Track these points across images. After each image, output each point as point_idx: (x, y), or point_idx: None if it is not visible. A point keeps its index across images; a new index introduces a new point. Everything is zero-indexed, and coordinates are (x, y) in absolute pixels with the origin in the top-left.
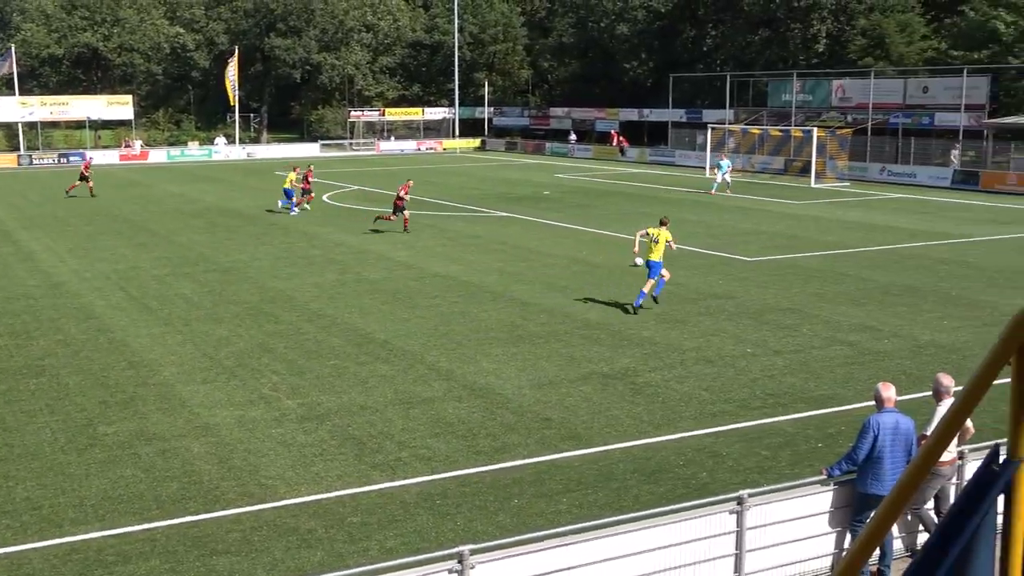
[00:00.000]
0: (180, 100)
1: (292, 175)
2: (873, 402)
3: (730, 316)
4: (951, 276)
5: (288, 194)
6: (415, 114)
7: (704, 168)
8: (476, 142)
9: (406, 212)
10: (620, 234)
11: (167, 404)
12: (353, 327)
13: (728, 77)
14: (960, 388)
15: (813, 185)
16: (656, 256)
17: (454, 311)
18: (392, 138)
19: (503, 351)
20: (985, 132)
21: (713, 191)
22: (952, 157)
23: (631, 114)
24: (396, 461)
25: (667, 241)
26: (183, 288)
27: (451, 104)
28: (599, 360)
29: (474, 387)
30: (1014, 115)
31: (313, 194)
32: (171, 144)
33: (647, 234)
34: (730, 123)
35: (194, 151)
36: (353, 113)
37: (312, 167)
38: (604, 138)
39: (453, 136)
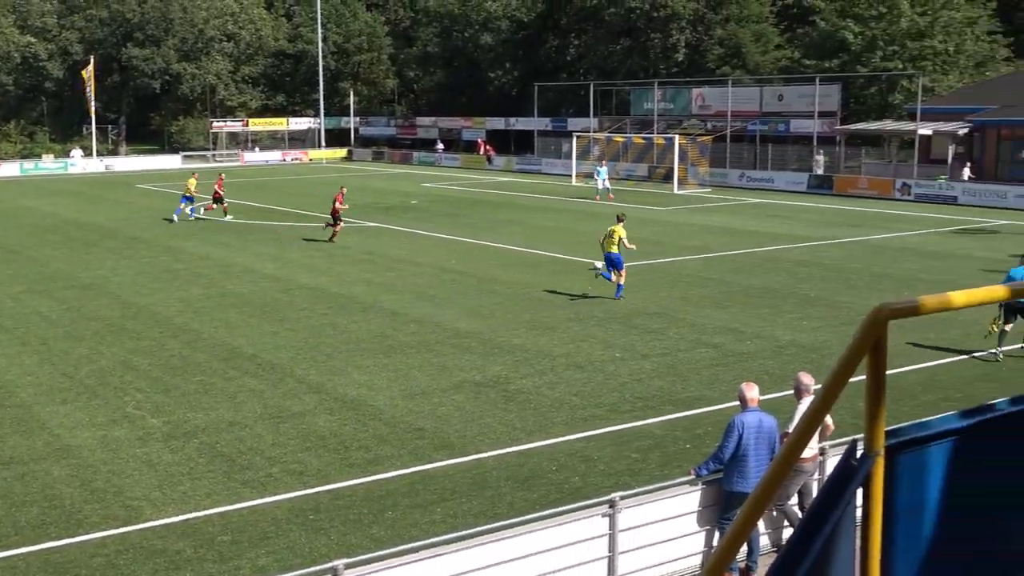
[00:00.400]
0: (33, 112)
1: (192, 181)
2: (738, 402)
3: (599, 322)
4: (810, 278)
5: (187, 200)
6: (280, 124)
7: (570, 176)
8: (343, 152)
9: (337, 224)
10: (489, 243)
11: (25, 427)
12: (220, 342)
13: (591, 86)
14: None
15: (676, 191)
16: (615, 249)
17: (323, 323)
18: (256, 149)
19: (374, 362)
20: (837, 138)
21: (597, 197)
22: (816, 162)
23: (497, 123)
24: (267, 477)
25: (620, 238)
26: (39, 306)
27: (316, 114)
28: (471, 368)
29: (345, 399)
30: (864, 121)
31: (227, 203)
32: (24, 157)
33: (607, 233)
34: (594, 131)
35: (49, 164)
36: (215, 124)
37: (223, 175)
38: (471, 147)
39: (319, 146)
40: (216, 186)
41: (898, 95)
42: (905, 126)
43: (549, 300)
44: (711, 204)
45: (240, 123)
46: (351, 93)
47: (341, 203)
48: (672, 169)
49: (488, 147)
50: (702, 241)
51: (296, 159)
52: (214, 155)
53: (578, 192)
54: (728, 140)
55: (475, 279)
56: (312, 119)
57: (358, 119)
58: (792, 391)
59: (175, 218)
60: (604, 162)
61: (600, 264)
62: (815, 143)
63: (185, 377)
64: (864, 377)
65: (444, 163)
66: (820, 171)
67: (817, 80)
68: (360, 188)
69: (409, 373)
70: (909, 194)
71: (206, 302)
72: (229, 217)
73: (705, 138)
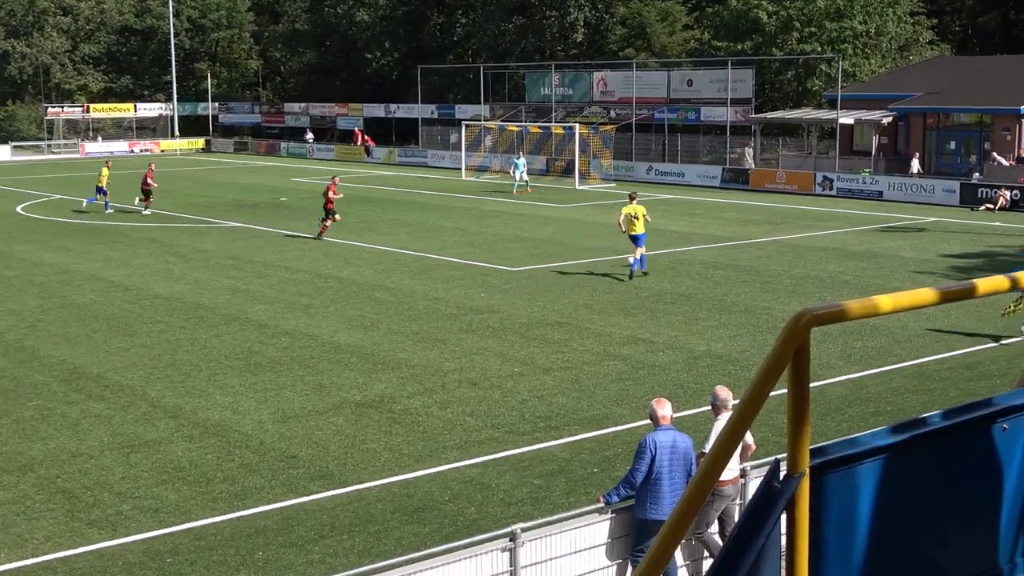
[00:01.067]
0: None
1: (105, 171)
2: (649, 420)
3: (494, 332)
4: (726, 281)
5: (100, 191)
6: (126, 110)
7: (460, 169)
8: (200, 142)
9: (329, 218)
10: (370, 244)
11: None
12: (59, 360)
13: (481, 69)
14: (738, 401)
15: (578, 187)
16: (640, 229)
17: (180, 337)
18: (99, 139)
19: (240, 381)
20: (752, 127)
21: (515, 191)
22: (743, 155)
23: (376, 110)
24: (116, 515)
25: (644, 215)
26: None
27: (168, 99)
28: (351, 387)
29: (207, 424)
30: (780, 109)
31: (152, 199)
32: None
33: (626, 215)
34: (486, 119)
35: None
36: (51, 110)
37: (153, 165)
38: (347, 137)
39: (172, 136)
40: (147, 176)
41: (817, 81)
42: (825, 114)
43: (439, 309)
44: (616, 200)
45: (79, 109)
46: (208, 76)
47: (335, 193)
48: (572, 162)
49: (366, 137)
50: (607, 242)
51: (146, 150)
52: (49, 146)
53: (469, 188)
54: (634, 130)
55: (355, 286)
56: (163, 105)
57: (217, 105)
58: (709, 406)
59: (108, 209)
60: (522, 153)
61: (634, 257)
62: (728, 133)
63: (18, 402)
64: (786, 391)
65: (317, 155)
66: (751, 164)
67: (729, 64)
68: (221, 183)
69: (280, 393)
70: (831, 189)
71: (43, 315)
72: (148, 212)
73: (608, 127)
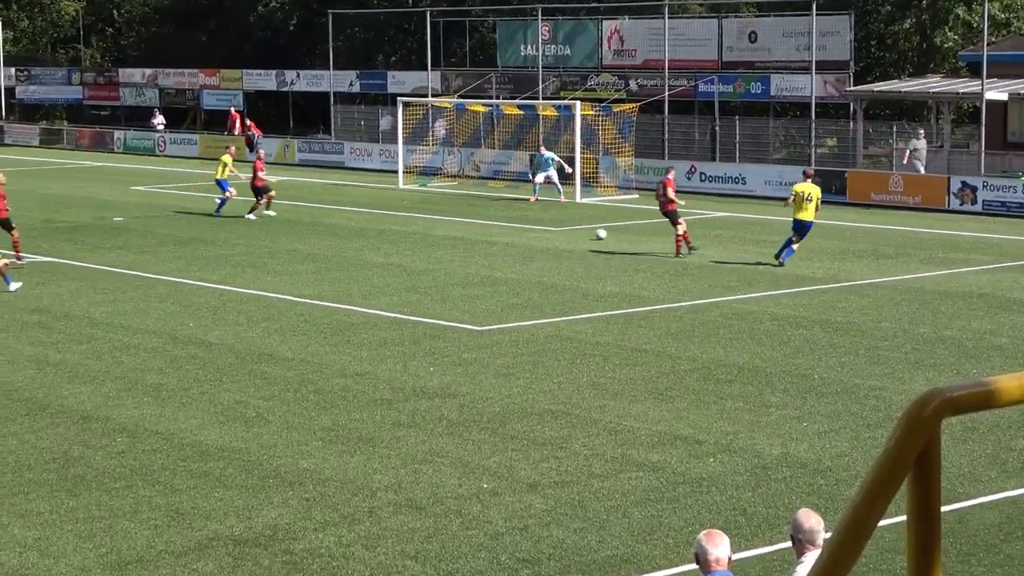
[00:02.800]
0: None
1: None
2: (695, 564)
3: (451, 427)
4: (810, 346)
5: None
6: None
7: (395, 172)
8: None
9: (265, 195)
10: (257, 291)
11: None
12: None
13: (428, 15)
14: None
15: (580, 199)
16: (809, 216)
17: None
18: None
19: (51, 506)
20: (852, 106)
21: (534, 199)
22: (914, 153)
23: (264, 80)
24: None
25: (818, 199)
26: None
27: None
28: (226, 515)
29: None
30: (893, 78)
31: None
32: None
33: (798, 194)
34: (436, 94)
35: None
36: None
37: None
38: (219, 122)
39: None
40: (257, 169)
41: (950, 33)
42: (964, 86)
43: (363, 392)
44: (640, 220)
45: None
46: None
47: (262, 169)
48: (570, 160)
49: (247, 123)
50: (627, 286)
51: None
52: None
53: (412, 202)
54: (666, 110)
55: (232, 355)
56: None
57: (13, 73)
58: (788, 542)
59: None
60: (543, 148)
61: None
62: (813, 114)
63: None
64: (904, 516)
65: (170, 150)
66: (921, 167)
67: (814, 6)
68: (20, 194)
69: (114, 524)
70: (974, 202)
71: None
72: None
73: (626, 107)
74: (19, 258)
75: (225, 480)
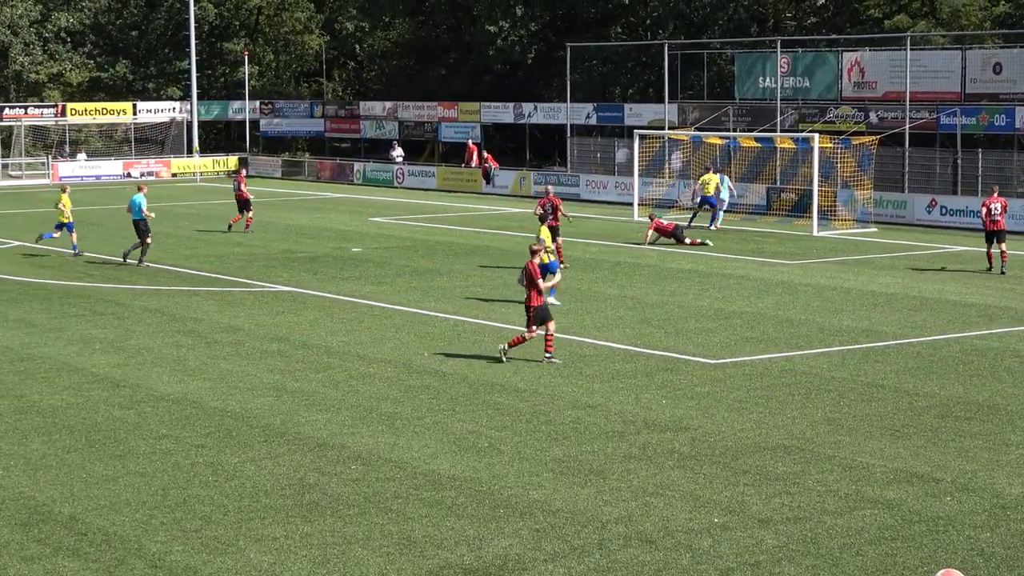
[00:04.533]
0: None
1: (66, 200)
2: None
3: (682, 460)
4: None
5: (65, 227)
6: (120, 113)
7: (631, 203)
8: (231, 161)
9: (250, 211)
10: (488, 321)
11: None
12: (14, 494)
13: (666, 48)
14: None
15: (816, 233)
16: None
17: (197, 462)
18: (81, 155)
19: (286, 531)
20: None
21: (716, 224)
22: None
23: (501, 112)
24: None
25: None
26: None
27: (185, 96)
28: (458, 543)
29: None
30: None
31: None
32: None
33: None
34: (672, 126)
35: None
36: (7, 112)
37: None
38: (456, 154)
39: (189, 152)
40: (239, 184)
41: None
42: None
43: (595, 424)
44: (878, 254)
45: (51, 110)
46: (246, 60)
47: (245, 185)
48: (808, 194)
49: (485, 155)
50: (864, 320)
51: (151, 173)
52: (5, 166)
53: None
54: (907, 143)
55: (466, 385)
56: (177, 104)
57: (258, 106)
58: None
59: (40, 241)
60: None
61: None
62: None
63: None
64: None
65: (408, 181)
66: None
67: None
68: (263, 225)
69: (348, 550)
70: None
71: None
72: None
73: (866, 139)
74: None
75: (457, 509)
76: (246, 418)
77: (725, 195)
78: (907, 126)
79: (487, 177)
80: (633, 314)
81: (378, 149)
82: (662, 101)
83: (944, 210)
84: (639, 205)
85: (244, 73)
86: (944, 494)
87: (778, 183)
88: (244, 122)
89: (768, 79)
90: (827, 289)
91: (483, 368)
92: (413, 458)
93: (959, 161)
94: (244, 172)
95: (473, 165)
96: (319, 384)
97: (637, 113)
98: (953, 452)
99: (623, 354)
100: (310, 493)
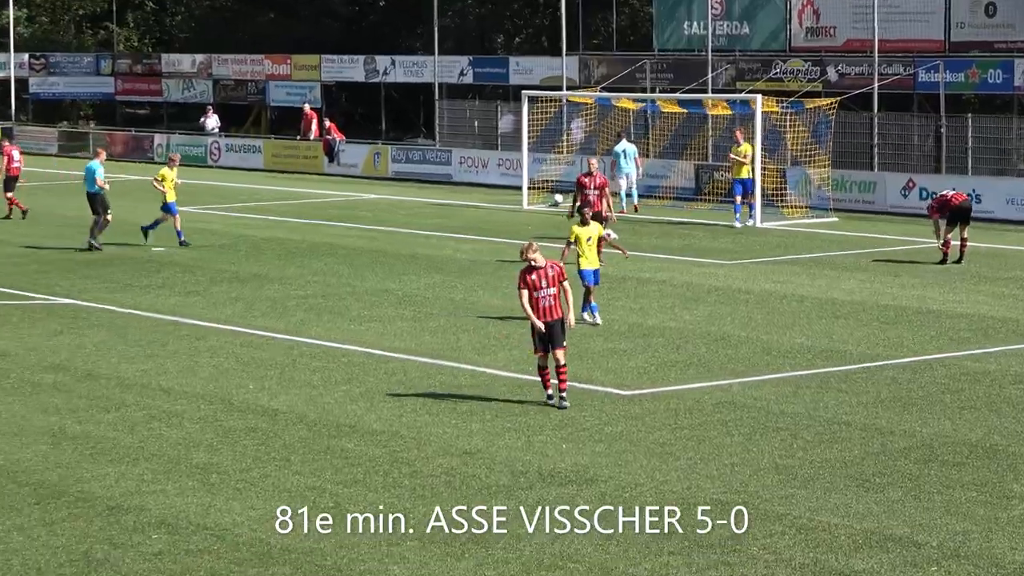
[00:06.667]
0: None
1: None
2: None
3: (588, 522)
4: None
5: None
6: None
7: (519, 190)
8: None
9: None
10: (335, 343)
11: None
12: None
13: None
14: None
15: (760, 224)
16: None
17: None
18: None
19: None
20: None
21: (623, 211)
22: None
23: (349, 68)
24: None
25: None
26: None
27: None
28: None
29: None
30: None
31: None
32: None
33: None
34: (572, 87)
35: None
36: None
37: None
38: (290, 123)
39: None
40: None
41: None
42: None
43: (473, 475)
44: (839, 251)
45: None
46: (11, 4)
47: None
48: (749, 182)
49: (329, 124)
50: (823, 337)
51: None
52: None
53: (537, 225)
54: (875, 106)
55: (304, 426)
56: None
57: (27, 60)
58: None
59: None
60: (622, 135)
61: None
62: None
63: None
64: None
65: (225, 159)
66: None
67: None
68: (36, 217)
69: None
70: None
71: None
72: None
73: (822, 102)
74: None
75: None
76: (13, 473)
77: (630, 168)
78: (875, 85)
79: (330, 153)
80: (522, 331)
81: (186, 117)
82: (558, 54)
83: (924, 193)
84: (529, 189)
85: (8, 18)
86: (928, 563)
87: (710, 159)
88: (8, 81)
89: (696, 25)
90: (774, 297)
91: (328, 404)
92: (235, 524)
93: (943, 130)
94: (10, 143)
95: (312, 137)
96: (109, 427)
97: (526, 69)
98: (939, 508)
99: (510, 383)
100: (98, 572)
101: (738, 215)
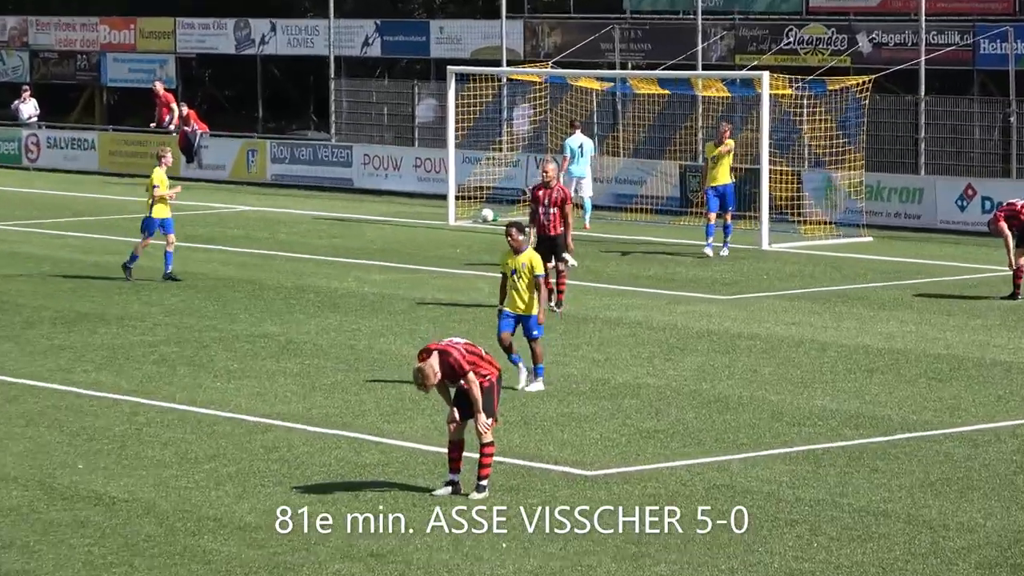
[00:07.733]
0: None
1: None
2: None
3: None
4: None
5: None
6: None
7: (444, 199)
8: None
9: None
10: (194, 407)
11: None
12: None
13: None
14: None
15: (767, 246)
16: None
17: None
18: None
19: None
20: None
21: (587, 226)
22: None
23: (217, 37)
24: None
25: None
26: None
27: None
28: None
29: None
30: None
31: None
32: None
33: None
34: (512, 61)
35: None
36: None
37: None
38: (135, 108)
39: None
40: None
41: None
42: None
43: None
44: (875, 283)
45: None
46: None
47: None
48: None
49: (186, 110)
50: (853, 398)
51: None
52: None
53: (467, 247)
54: (922, 87)
55: (153, 520)
56: None
57: None
58: None
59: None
60: (576, 126)
61: None
62: None
63: None
64: None
65: (47, 158)
66: None
67: None
68: None
69: None
70: None
71: None
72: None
73: (851, 80)
74: None
75: None
76: None
77: (581, 168)
78: (922, 58)
79: (188, 151)
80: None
81: None
82: (497, 16)
83: (988, 204)
84: (457, 199)
85: None
86: None
87: (700, 159)
88: None
89: None
90: (787, 344)
91: (185, 490)
92: None
93: (1013, 119)
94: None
95: (168, 127)
96: None
97: (453, 37)
98: None
99: (434, 460)
100: None
101: (710, 239)
